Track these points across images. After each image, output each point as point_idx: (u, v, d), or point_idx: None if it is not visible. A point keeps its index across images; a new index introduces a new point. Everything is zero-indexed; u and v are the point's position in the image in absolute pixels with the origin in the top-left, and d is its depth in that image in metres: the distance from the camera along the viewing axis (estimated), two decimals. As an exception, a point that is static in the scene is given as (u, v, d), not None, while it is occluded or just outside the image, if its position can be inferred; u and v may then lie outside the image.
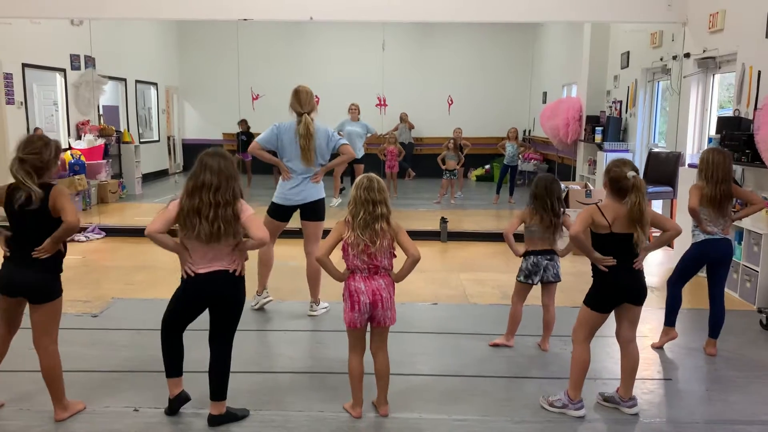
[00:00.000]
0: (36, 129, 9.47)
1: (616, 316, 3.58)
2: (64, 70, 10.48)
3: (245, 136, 12.65)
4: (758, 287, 5.55)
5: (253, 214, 3.27)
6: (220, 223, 3.15)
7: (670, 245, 7.65)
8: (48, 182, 3.24)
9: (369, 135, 10.85)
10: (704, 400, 3.84)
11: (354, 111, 10.40)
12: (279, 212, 5.12)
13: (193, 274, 3.26)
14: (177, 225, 3.24)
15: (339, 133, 5.50)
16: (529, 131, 15.01)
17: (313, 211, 5.11)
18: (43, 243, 3.21)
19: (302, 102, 4.94)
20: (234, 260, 3.29)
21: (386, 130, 13.56)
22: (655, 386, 4.03)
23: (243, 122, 12.67)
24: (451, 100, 15.06)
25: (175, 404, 3.46)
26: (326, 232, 4.67)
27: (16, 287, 3.28)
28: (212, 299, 3.31)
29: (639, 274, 3.49)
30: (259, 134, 5.18)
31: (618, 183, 3.37)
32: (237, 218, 3.21)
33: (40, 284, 3.26)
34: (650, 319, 5.03)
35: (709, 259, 4.44)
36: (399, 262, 3.42)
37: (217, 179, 3.16)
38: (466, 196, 12.03)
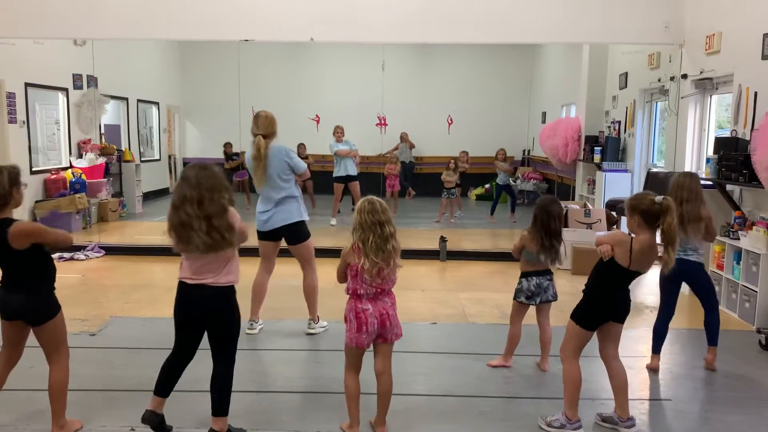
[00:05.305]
0: None
1: (599, 334, 3.63)
2: (66, 90, 10.56)
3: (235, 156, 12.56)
4: (757, 307, 5.54)
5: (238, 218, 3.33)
6: (221, 233, 3.18)
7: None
8: (8, 218, 3.22)
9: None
10: (703, 420, 3.83)
11: (339, 133, 10.58)
12: (260, 236, 5.19)
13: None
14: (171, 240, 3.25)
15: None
16: (529, 151, 15.08)
17: (292, 235, 5.14)
18: (25, 267, 3.22)
19: (258, 125, 5.03)
20: (231, 272, 3.31)
21: (386, 150, 13.64)
22: (654, 407, 4.01)
23: (228, 145, 12.67)
24: (451, 120, 15.14)
25: (147, 416, 3.38)
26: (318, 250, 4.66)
27: (12, 311, 3.30)
28: (203, 311, 3.29)
29: (627, 295, 3.56)
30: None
31: (650, 212, 3.37)
32: (231, 228, 3.23)
33: (34, 306, 3.29)
34: (647, 338, 5.00)
35: (684, 279, 4.49)
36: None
37: (197, 192, 3.17)
38: (466, 216, 12.05)
